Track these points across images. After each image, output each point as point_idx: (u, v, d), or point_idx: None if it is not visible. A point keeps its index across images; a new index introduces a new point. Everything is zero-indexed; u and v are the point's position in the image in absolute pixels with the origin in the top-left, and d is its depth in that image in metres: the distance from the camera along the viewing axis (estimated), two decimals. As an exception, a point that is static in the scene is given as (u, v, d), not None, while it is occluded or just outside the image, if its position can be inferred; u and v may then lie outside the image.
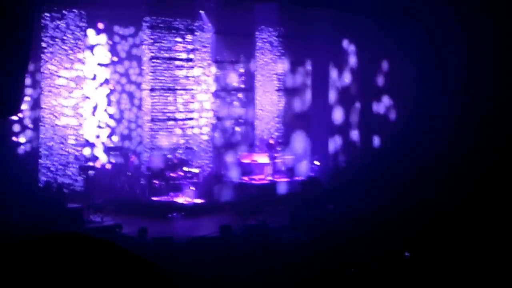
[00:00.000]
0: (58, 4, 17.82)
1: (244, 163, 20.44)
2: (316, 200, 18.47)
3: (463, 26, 20.80)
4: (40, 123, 17.89)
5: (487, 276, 9.28)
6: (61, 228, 13.98)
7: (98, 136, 19.83)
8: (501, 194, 15.91)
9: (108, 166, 19.66)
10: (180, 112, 19.98)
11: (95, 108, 19.73)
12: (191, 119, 20.22)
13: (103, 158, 19.74)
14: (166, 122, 19.67)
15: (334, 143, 23.02)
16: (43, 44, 17.66)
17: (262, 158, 20.44)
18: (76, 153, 18.32)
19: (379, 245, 11.12)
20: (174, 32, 19.76)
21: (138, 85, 20.20)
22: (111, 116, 20.18)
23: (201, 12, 20.38)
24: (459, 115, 21.06)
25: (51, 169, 17.90)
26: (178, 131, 19.96)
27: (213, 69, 20.91)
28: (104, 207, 16.94)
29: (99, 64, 19.81)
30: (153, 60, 19.37)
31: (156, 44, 19.36)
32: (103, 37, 19.83)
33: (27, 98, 17.86)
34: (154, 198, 18.42)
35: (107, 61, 19.98)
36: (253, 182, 19.84)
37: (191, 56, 20.13)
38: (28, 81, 17.21)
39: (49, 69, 17.82)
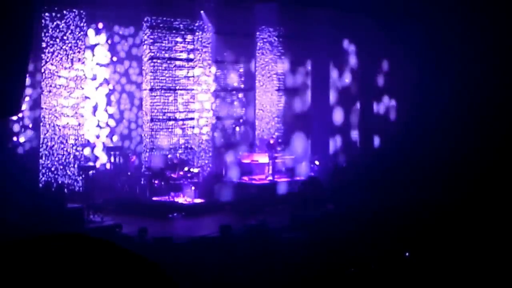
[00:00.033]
0: (58, 4, 17.81)
1: (244, 163, 20.44)
2: (316, 200, 18.46)
3: (463, 26, 20.80)
4: (40, 123, 17.89)
5: (487, 276, 9.28)
6: (61, 228, 13.97)
7: (98, 136, 19.84)
8: (501, 194, 15.90)
9: (108, 166, 19.66)
10: (180, 112, 19.98)
11: (95, 108, 19.74)
12: (191, 119, 20.22)
13: (103, 158, 19.74)
14: (166, 122, 19.67)
15: (334, 143, 23.03)
16: (43, 44, 17.66)
17: (262, 158, 20.43)
18: (76, 153, 18.31)
19: (379, 245, 11.11)
20: (174, 32, 19.76)
21: (138, 85, 20.20)
22: (111, 116, 20.19)
23: (201, 12, 20.38)
24: (459, 115, 21.06)
25: (51, 169, 17.90)
26: (178, 131, 19.96)
27: (213, 69, 20.91)
28: (104, 207, 16.92)
29: (99, 64, 19.81)
30: (153, 60, 19.37)
31: (156, 44, 19.36)
32: (103, 37, 19.83)
33: (27, 98, 17.86)
34: (154, 198, 18.41)
35: (107, 61, 19.98)
36: (253, 182, 19.84)
37: (191, 56, 20.13)
38: (28, 81, 17.20)
39: (49, 69, 17.82)
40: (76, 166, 18.13)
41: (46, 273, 1.68)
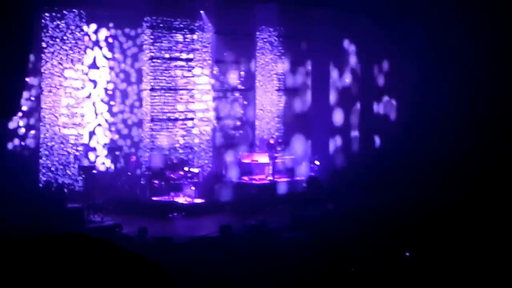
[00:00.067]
0: (58, 4, 17.82)
1: (244, 163, 20.45)
2: (316, 200, 18.47)
3: (463, 26, 20.79)
4: (40, 123, 17.89)
5: (487, 276, 9.28)
6: (61, 228, 13.97)
7: (98, 136, 19.83)
8: (501, 194, 15.91)
9: (108, 166, 19.66)
10: (180, 112, 19.99)
11: (95, 108, 19.73)
12: (191, 119, 20.23)
13: (103, 158, 19.74)
14: (166, 122, 19.67)
15: (334, 143, 23.03)
16: (43, 44, 17.66)
17: (262, 158, 20.43)
18: (76, 153, 18.31)
19: (379, 245, 11.12)
20: (175, 32, 19.77)
21: (138, 85, 20.20)
22: (111, 116, 20.18)
23: (201, 12, 20.38)
24: (459, 115, 21.06)
25: (51, 169, 17.90)
26: (178, 131, 19.97)
27: (213, 69, 20.91)
28: (104, 207, 16.93)
29: (99, 64, 19.81)
30: (153, 60, 19.37)
31: (156, 44, 19.37)
32: (103, 37, 19.83)
33: (27, 98, 17.87)
34: (154, 198, 18.42)
35: (107, 61, 19.98)
36: (253, 182, 19.84)
37: (191, 56, 20.14)
38: (28, 81, 17.21)
39: (49, 69, 17.82)
40: (76, 166, 18.13)
41: (46, 273, 1.68)
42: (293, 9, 21.65)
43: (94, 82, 19.61)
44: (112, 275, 1.72)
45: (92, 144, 19.54)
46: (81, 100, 18.56)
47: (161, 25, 19.46)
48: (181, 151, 19.97)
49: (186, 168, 18.96)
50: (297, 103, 22.80)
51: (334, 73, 23.21)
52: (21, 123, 18.03)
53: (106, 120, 20.04)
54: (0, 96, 14.71)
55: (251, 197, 18.91)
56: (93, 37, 19.51)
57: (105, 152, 19.82)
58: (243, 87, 21.96)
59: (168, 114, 19.70)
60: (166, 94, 19.62)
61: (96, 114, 19.79)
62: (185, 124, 20.13)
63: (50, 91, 17.89)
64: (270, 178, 20.10)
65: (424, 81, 22.33)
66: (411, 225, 12.70)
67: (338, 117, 23.20)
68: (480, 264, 9.59)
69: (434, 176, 19.16)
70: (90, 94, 19.36)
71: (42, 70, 17.76)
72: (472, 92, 21.00)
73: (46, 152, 17.86)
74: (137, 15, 19.29)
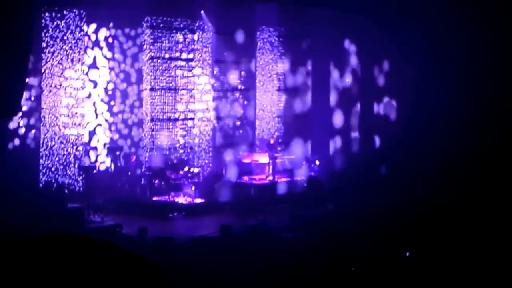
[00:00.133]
0: (58, 4, 17.82)
1: (244, 163, 20.45)
2: (316, 200, 18.47)
3: (463, 26, 20.79)
4: (40, 123, 17.90)
5: (487, 276, 9.28)
6: (61, 228, 13.97)
7: (98, 136, 19.83)
8: (502, 194, 15.91)
9: (108, 166, 19.66)
10: (180, 112, 20.00)
11: (95, 107, 19.74)
12: (191, 119, 20.23)
13: (103, 158, 19.75)
14: (166, 122, 19.68)
15: (334, 143, 23.03)
16: (43, 44, 17.66)
17: (263, 158, 20.43)
18: (76, 153, 18.32)
19: (379, 245, 11.12)
20: (175, 32, 19.77)
21: (138, 85, 20.21)
22: (111, 115, 20.19)
23: (202, 12, 20.38)
24: (459, 115, 21.05)
25: (52, 169, 17.90)
26: (178, 131, 19.97)
27: (214, 69, 20.92)
28: (104, 207, 16.93)
29: (99, 64, 19.81)
30: (153, 60, 19.38)
31: (156, 44, 19.37)
32: (103, 37, 19.83)
33: (27, 98, 17.87)
34: (155, 198, 18.42)
35: (107, 61, 19.98)
36: (253, 182, 19.84)
37: (191, 56, 20.14)
38: (28, 81, 17.21)
39: (49, 69, 17.83)
40: (76, 166, 18.14)
41: (46, 273, 1.68)
42: (293, 9, 21.65)
43: (94, 82, 19.61)
44: (112, 276, 1.73)
45: (92, 144, 19.55)
46: (81, 100, 18.55)
47: (161, 25, 19.46)
48: (181, 151, 19.97)
49: (186, 168, 18.96)
50: (297, 103, 22.80)
51: (334, 73, 23.20)
52: (22, 123, 18.04)
53: (106, 120, 20.05)
54: (0, 96, 14.70)
55: (251, 197, 18.91)
56: (93, 37, 19.51)
57: (105, 152, 19.83)
58: (243, 87, 21.97)
59: (168, 114, 19.70)
60: (166, 94, 19.62)
61: (96, 114, 19.80)
62: (185, 124, 20.13)
63: (50, 91, 17.89)
64: (270, 178, 20.10)
65: (424, 81, 22.33)
66: (411, 225, 12.71)
67: (338, 117, 23.20)
68: (480, 264, 9.59)
69: (434, 176, 19.17)
70: (90, 94, 19.36)
71: (42, 70, 17.76)
72: (472, 92, 21.00)
73: (46, 152, 17.86)
74: (137, 15, 19.29)
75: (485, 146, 19.65)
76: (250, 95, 21.97)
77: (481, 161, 19.18)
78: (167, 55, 19.62)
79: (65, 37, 17.96)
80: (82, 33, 18.36)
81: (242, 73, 21.86)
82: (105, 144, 19.89)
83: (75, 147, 18.30)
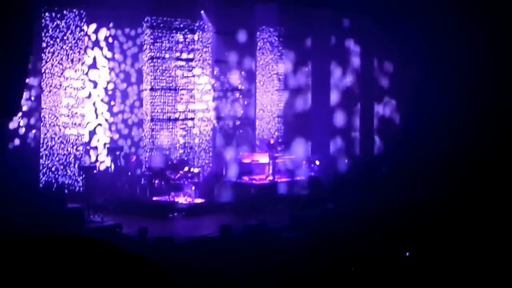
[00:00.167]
0: (58, 4, 17.82)
1: (244, 163, 20.44)
2: (316, 200, 18.47)
3: (464, 27, 20.78)
4: (40, 123, 17.90)
5: (487, 276, 9.28)
6: (61, 228, 13.98)
7: (98, 136, 19.84)
8: (502, 194, 15.91)
9: (108, 165, 19.67)
10: (180, 112, 20.00)
11: (95, 107, 19.74)
12: (191, 119, 20.24)
13: (103, 158, 19.75)
14: (166, 122, 19.68)
15: (334, 143, 23.03)
16: (43, 44, 17.66)
17: (263, 158, 20.44)
18: (76, 153, 18.32)
19: (379, 245, 11.12)
20: (175, 32, 19.77)
21: (138, 85, 20.22)
22: (111, 115, 20.20)
23: (202, 12, 20.39)
24: (459, 115, 21.05)
25: (52, 169, 17.90)
26: (178, 131, 19.97)
27: (214, 69, 20.92)
28: (104, 207, 16.94)
29: (100, 64, 19.82)
30: (153, 60, 19.38)
31: (156, 44, 19.37)
32: (103, 37, 19.84)
33: (27, 98, 17.87)
34: (155, 198, 18.42)
35: (107, 61, 19.99)
36: (253, 182, 19.84)
37: (191, 56, 20.14)
38: (28, 81, 17.21)
39: (49, 69, 17.83)
40: (76, 166, 18.14)
41: (46, 273, 1.69)
42: (293, 9, 21.65)
43: (94, 82, 19.62)
44: (112, 276, 1.73)
45: (93, 144, 19.56)
46: (81, 100, 18.55)
47: (161, 25, 19.46)
48: (181, 151, 19.97)
49: (186, 168, 18.96)
50: (298, 103, 22.81)
51: (334, 73, 23.20)
52: (22, 123, 18.04)
53: (106, 120, 20.06)
54: (0, 96, 14.71)
55: (251, 197, 18.91)
56: (93, 37, 19.52)
57: (105, 152, 19.83)
58: (243, 87, 21.97)
59: (168, 114, 19.70)
60: (167, 94, 19.63)
61: (96, 114, 19.81)
62: (185, 124, 20.13)
63: (50, 91, 17.89)
64: (270, 178, 20.10)
65: (424, 81, 22.33)
66: (411, 225, 12.70)
67: (338, 117, 23.20)
68: (480, 264, 9.59)
69: (434, 176, 19.17)
70: (90, 94, 19.37)
71: (42, 70, 17.77)
72: (472, 92, 20.99)
73: (47, 152, 17.86)
74: (137, 15, 19.30)
75: (485, 146, 19.65)
76: (250, 95, 21.97)
77: (481, 161, 19.18)
78: (167, 55, 19.62)
79: (65, 37, 17.96)
80: (82, 33, 18.36)
81: (242, 73, 21.86)
82: (105, 144, 19.90)
83: (75, 147, 18.30)
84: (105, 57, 19.94)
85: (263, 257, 11.00)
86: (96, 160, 19.48)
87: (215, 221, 15.58)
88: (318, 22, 22.07)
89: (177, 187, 18.46)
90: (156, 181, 18.55)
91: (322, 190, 19.36)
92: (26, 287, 1.67)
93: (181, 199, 18.32)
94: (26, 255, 1.73)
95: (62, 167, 18.03)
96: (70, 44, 18.05)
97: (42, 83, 17.85)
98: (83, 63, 18.57)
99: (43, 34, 17.59)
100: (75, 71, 18.26)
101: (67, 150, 18.13)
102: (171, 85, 19.71)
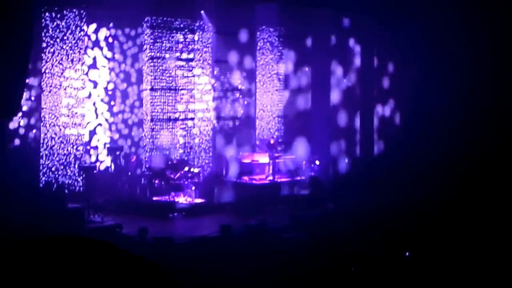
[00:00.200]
0: (58, 4, 17.82)
1: (244, 163, 20.44)
2: (316, 199, 18.47)
3: (463, 26, 20.78)
4: (40, 123, 17.90)
5: (487, 276, 9.28)
6: (61, 228, 13.98)
7: (98, 136, 19.84)
8: (502, 194, 15.91)
9: (108, 165, 19.67)
10: (180, 112, 20.00)
11: (95, 107, 19.75)
12: (191, 119, 20.23)
13: (103, 158, 19.76)
14: (166, 122, 19.68)
15: (335, 143, 23.02)
16: (43, 44, 17.66)
17: (263, 158, 20.43)
18: (77, 153, 18.32)
19: (379, 245, 11.12)
20: (175, 32, 19.77)
21: (138, 85, 20.22)
22: (111, 115, 20.21)
23: (202, 12, 20.39)
24: (459, 115, 21.05)
25: (52, 169, 17.91)
26: (178, 131, 19.97)
27: (214, 69, 20.92)
28: (104, 207, 16.93)
29: (100, 64, 19.83)
30: (153, 60, 19.38)
31: (156, 44, 19.37)
32: (103, 37, 19.84)
33: (27, 98, 17.87)
34: (155, 198, 18.42)
35: (107, 61, 20.00)
36: (254, 182, 19.83)
37: (192, 56, 20.14)
38: (28, 81, 17.21)
39: (49, 69, 17.83)
40: (76, 166, 18.14)
41: (46, 273, 1.69)
42: (293, 9, 21.65)
43: (94, 82, 19.63)
44: (112, 276, 1.73)
45: (93, 144, 19.57)
46: (81, 100, 18.56)
47: (161, 25, 19.46)
48: (181, 151, 19.97)
49: (186, 168, 18.96)
50: (298, 103, 22.81)
51: (334, 74, 23.20)
52: (22, 123, 18.05)
53: (107, 120, 20.07)
54: (0, 96, 14.71)
55: (251, 197, 18.90)
56: (93, 37, 19.52)
57: (106, 152, 19.84)
58: (243, 87, 21.97)
59: (168, 114, 19.70)
60: (167, 94, 19.63)
61: (97, 114, 19.82)
62: (185, 124, 20.13)
63: (50, 91, 17.89)
64: (270, 178, 20.09)
65: (424, 81, 22.33)
66: (411, 225, 12.71)
67: (338, 117, 23.20)
68: (480, 264, 9.59)
69: (434, 176, 19.17)
70: (90, 94, 19.38)
71: (42, 70, 17.77)
72: (473, 92, 20.99)
73: (47, 152, 17.87)
74: (137, 15, 19.29)
75: (485, 146, 19.65)
76: (250, 95, 21.97)
77: (481, 161, 19.18)
78: (167, 55, 19.61)
79: (65, 37, 17.96)
80: (82, 33, 18.36)
81: (243, 73, 21.86)
82: (105, 144, 19.91)
83: (75, 147, 18.31)
84: (105, 57, 19.95)
85: (263, 257, 11.00)
86: (96, 160, 19.49)
87: (215, 221, 15.58)
88: (318, 22, 22.07)
89: (177, 187, 18.46)
90: (156, 181, 18.56)
91: (322, 190, 19.36)
92: (26, 287, 1.68)
93: (181, 199, 18.32)
94: (26, 255, 1.73)
95: (62, 167, 18.03)
96: (70, 44, 18.05)
97: (42, 83, 17.85)
98: (83, 63, 18.57)
99: (43, 34, 17.59)
100: (75, 71, 18.25)
101: (67, 150, 18.13)
102: (171, 85, 19.71)
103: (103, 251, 1.79)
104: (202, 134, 20.47)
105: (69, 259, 1.73)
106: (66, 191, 17.28)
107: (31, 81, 17.87)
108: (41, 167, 17.74)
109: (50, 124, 17.91)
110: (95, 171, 18.17)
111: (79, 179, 17.98)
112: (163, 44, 19.49)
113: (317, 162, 21.34)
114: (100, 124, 19.92)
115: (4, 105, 15.08)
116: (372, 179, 19.22)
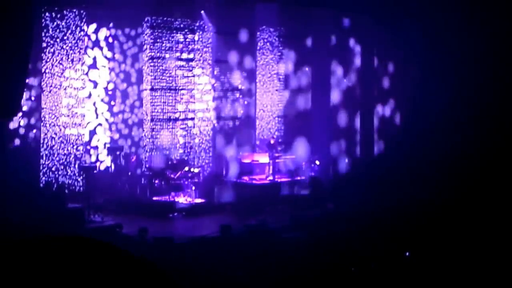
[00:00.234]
0: (58, 4, 17.82)
1: (244, 163, 20.44)
2: (316, 200, 18.47)
3: (463, 26, 20.77)
4: (41, 123, 17.90)
5: (487, 276, 9.28)
6: (61, 228, 13.98)
7: (98, 136, 19.84)
8: (502, 194, 15.91)
9: (108, 165, 19.67)
10: (180, 112, 20.00)
11: (95, 107, 19.75)
12: (191, 119, 20.23)
13: (103, 158, 19.75)
14: (166, 122, 19.68)
15: (335, 143, 23.02)
16: (44, 44, 17.66)
17: (263, 158, 20.43)
18: (77, 153, 18.32)
19: (379, 245, 11.12)
20: (175, 32, 19.77)
21: (138, 85, 20.22)
22: (111, 115, 20.21)
23: (202, 12, 20.38)
24: (459, 115, 21.05)
25: (52, 169, 17.91)
26: (178, 131, 19.97)
27: (214, 69, 20.92)
28: (104, 207, 16.93)
29: (100, 64, 19.83)
30: (153, 60, 19.38)
31: (156, 44, 19.37)
32: (103, 37, 19.84)
33: (27, 98, 17.87)
34: (155, 198, 18.42)
35: (107, 61, 20.00)
36: (254, 182, 19.83)
37: (192, 56, 20.14)
38: (28, 81, 17.21)
39: (49, 69, 17.83)
40: (76, 166, 18.14)
41: (46, 273, 1.69)
42: (293, 9, 21.64)
43: (94, 82, 19.63)
44: (112, 276, 1.73)
45: (93, 144, 19.57)
46: (81, 100, 18.56)
47: (161, 25, 19.46)
48: (181, 151, 19.97)
49: (186, 168, 18.96)
50: (298, 103, 22.81)
51: (335, 74, 23.20)
52: (22, 123, 18.05)
53: (107, 120, 20.07)
54: (0, 96, 14.71)
55: (251, 197, 18.90)
56: (93, 37, 19.52)
57: (106, 152, 19.84)
58: (243, 87, 21.96)
59: (169, 114, 19.70)
60: (167, 94, 19.63)
61: (97, 114, 19.82)
62: (185, 124, 20.13)
63: (50, 91, 17.89)
64: (270, 178, 20.09)
65: (424, 81, 22.33)
66: (411, 225, 12.71)
67: (338, 117, 23.19)
68: (480, 263, 9.59)
69: (434, 176, 19.17)
70: (90, 94, 19.38)
71: (42, 70, 17.77)
72: (473, 92, 20.99)
73: (47, 152, 17.87)
74: (137, 15, 19.29)
75: (485, 146, 19.65)
76: (250, 95, 21.97)
77: (481, 161, 19.18)
78: (167, 55, 19.61)
79: (65, 37, 17.96)
80: (82, 33, 18.36)
81: (243, 73, 21.86)
82: (105, 144, 19.91)
83: (75, 147, 18.31)
84: (105, 57, 19.95)
85: (263, 257, 11.00)
86: (97, 160, 19.49)
87: (215, 221, 15.58)
88: (318, 22, 22.06)
89: (177, 187, 18.46)
90: (156, 181, 18.56)
91: (322, 190, 19.36)
92: (26, 287, 1.68)
93: (181, 199, 18.32)
94: (26, 255, 1.74)
95: (62, 167, 18.03)
96: (70, 44, 18.05)
97: (42, 83, 17.85)
98: (83, 63, 18.57)
99: (43, 34, 17.59)
100: (75, 71, 18.25)
101: (67, 150, 18.13)
102: (171, 85, 19.70)
103: (103, 251, 1.79)
104: (202, 134, 20.47)
105: (69, 259, 1.73)
106: (66, 191, 17.28)
107: (31, 81, 17.86)
108: (41, 167, 17.73)
109: (50, 124, 17.91)
110: (95, 171, 18.17)
111: (79, 179, 17.98)
112: (163, 44, 19.49)
113: (317, 162, 21.33)
114: (100, 124, 19.92)
115: (4, 105, 15.08)
116: (372, 179, 19.22)
